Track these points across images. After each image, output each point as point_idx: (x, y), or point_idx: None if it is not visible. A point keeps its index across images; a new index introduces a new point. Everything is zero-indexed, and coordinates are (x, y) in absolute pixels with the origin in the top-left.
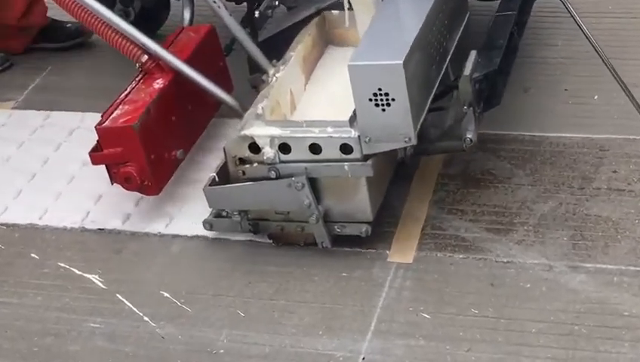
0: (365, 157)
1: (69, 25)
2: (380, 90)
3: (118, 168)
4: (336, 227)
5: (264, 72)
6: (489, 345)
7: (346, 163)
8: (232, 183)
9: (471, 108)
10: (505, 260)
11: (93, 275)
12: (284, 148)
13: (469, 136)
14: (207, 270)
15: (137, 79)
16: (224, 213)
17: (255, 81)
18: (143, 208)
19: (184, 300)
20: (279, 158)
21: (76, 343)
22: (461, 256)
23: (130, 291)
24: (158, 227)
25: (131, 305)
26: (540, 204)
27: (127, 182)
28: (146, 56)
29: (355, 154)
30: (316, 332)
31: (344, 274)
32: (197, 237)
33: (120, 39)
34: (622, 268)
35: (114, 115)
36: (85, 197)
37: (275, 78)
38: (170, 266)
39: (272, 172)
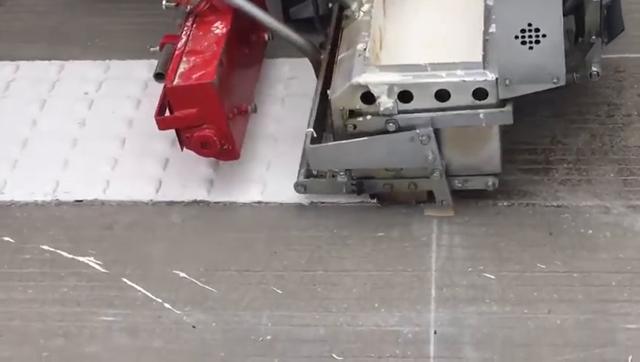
0: (501, 103)
1: None
2: (529, 25)
3: (192, 132)
4: (456, 181)
5: (345, 4)
6: (570, 304)
7: (480, 110)
8: (338, 139)
9: (599, 38)
10: (555, 204)
11: (87, 258)
12: (405, 96)
13: (595, 69)
14: (220, 240)
15: (188, 24)
16: (315, 172)
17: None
18: (123, 171)
19: (205, 279)
20: (398, 108)
21: (93, 343)
22: (505, 203)
23: (138, 274)
24: (146, 192)
25: (144, 291)
26: (572, 137)
27: (204, 148)
28: None
29: (490, 100)
30: (371, 305)
31: (380, 233)
32: (196, 202)
33: None
34: None
35: (181, 69)
36: (48, 162)
37: (361, 12)
38: (176, 239)
39: (391, 124)
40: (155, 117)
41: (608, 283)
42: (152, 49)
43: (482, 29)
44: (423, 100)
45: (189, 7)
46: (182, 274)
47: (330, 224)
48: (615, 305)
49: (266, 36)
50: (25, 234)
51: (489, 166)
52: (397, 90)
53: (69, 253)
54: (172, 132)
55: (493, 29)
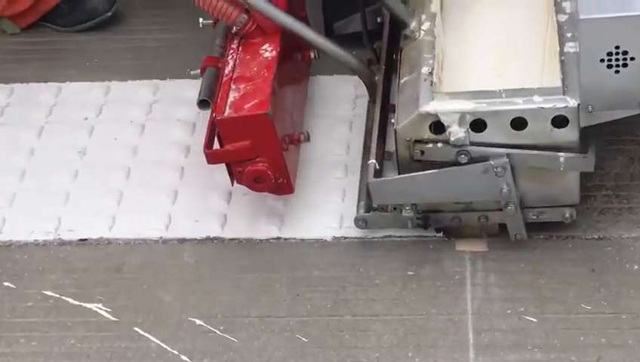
0: (581, 137)
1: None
2: (617, 48)
3: (244, 166)
4: (531, 214)
5: (403, 24)
6: (620, 350)
7: (561, 153)
8: (403, 171)
9: None
10: (596, 236)
11: (95, 304)
12: (478, 125)
13: None
14: (237, 283)
15: (234, 47)
16: (375, 206)
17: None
18: (129, 206)
19: (224, 327)
20: (470, 138)
21: None
22: (542, 236)
23: (151, 322)
24: (156, 229)
25: (159, 341)
26: (609, 160)
27: (257, 183)
28: (245, 16)
29: (570, 128)
30: (405, 354)
31: (410, 272)
32: (209, 239)
33: None
34: None
35: (231, 98)
36: (48, 197)
37: (421, 31)
38: (190, 282)
39: (462, 155)
40: (204, 150)
41: None
42: (192, 72)
43: (555, 49)
44: (497, 129)
45: (234, 28)
46: (198, 322)
47: (355, 262)
48: None
49: (312, 55)
50: (26, 279)
51: (567, 197)
52: (469, 119)
53: (75, 300)
54: (179, 160)
55: (569, 48)
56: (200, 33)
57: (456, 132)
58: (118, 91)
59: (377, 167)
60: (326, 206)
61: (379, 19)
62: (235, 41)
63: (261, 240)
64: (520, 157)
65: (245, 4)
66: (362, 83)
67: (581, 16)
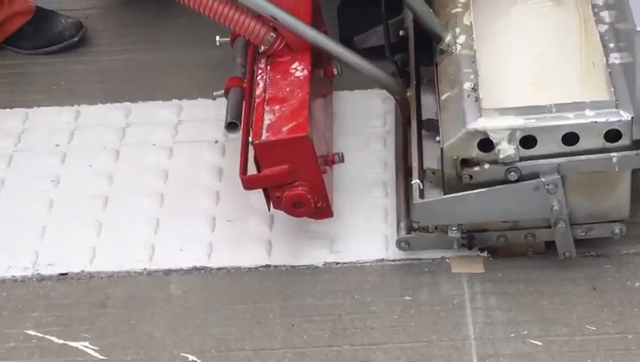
0: (635, 144)
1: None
2: None
3: (282, 191)
4: (579, 231)
5: (437, 38)
6: None
7: (613, 153)
8: (450, 191)
9: None
10: (594, 253)
11: (81, 342)
12: (527, 141)
13: None
14: (228, 314)
15: (262, 66)
16: (416, 226)
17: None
18: (110, 237)
19: None
20: (519, 155)
21: None
22: (539, 255)
23: (141, 359)
24: (139, 260)
25: None
26: None
27: (296, 207)
28: (273, 34)
29: (624, 141)
30: None
31: (407, 297)
32: (196, 269)
33: (238, 14)
34: None
35: (267, 121)
36: (24, 230)
37: (457, 45)
38: (179, 315)
39: (512, 173)
40: (240, 175)
41: None
42: (215, 93)
43: (593, 59)
44: (548, 145)
45: (262, 47)
46: (191, 358)
47: (349, 288)
48: None
49: (335, 70)
50: (6, 318)
51: (616, 212)
52: (519, 136)
53: (60, 338)
54: (158, 186)
55: (614, 59)
56: (170, 53)
57: (506, 149)
58: (89, 115)
59: (421, 186)
60: (313, 231)
61: (401, 33)
62: (263, 60)
63: (250, 268)
64: (571, 164)
65: (273, 21)
66: (392, 98)
67: (638, 28)
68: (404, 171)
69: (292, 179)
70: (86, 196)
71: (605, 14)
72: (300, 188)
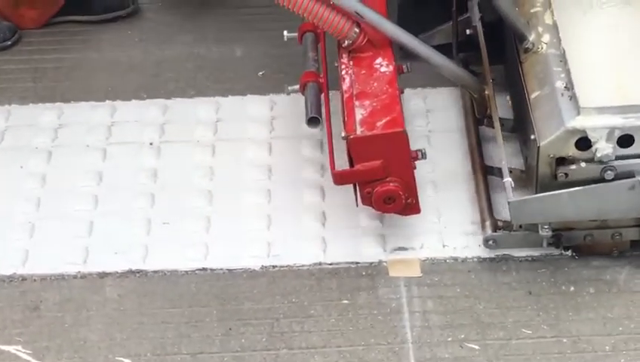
0: None
1: None
2: None
3: (373, 186)
4: None
5: (522, 36)
6: None
7: None
8: (542, 190)
9: None
10: (529, 258)
11: (14, 346)
12: (625, 140)
13: None
14: (165, 318)
15: (344, 61)
16: (501, 224)
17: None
18: (42, 238)
19: None
20: (616, 154)
21: None
22: (475, 259)
23: None
24: (73, 263)
25: None
26: None
27: (387, 203)
28: (357, 30)
29: None
30: None
31: (344, 301)
32: (131, 272)
33: (323, 9)
34: None
35: (359, 116)
36: None
37: (542, 44)
38: (115, 319)
39: (609, 172)
40: (331, 170)
41: (601, 348)
42: (290, 88)
43: None
44: None
45: (346, 42)
46: (126, 361)
47: (286, 292)
48: None
49: (404, 68)
50: None
51: None
52: (617, 135)
53: None
54: (92, 188)
55: None
56: (103, 53)
57: (603, 148)
58: (20, 116)
59: (513, 185)
60: (250, 234)
61: (468, 31)
62: (345, 56)
63: (186, 271)
64: None
65: (356, 16)
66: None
67: None
68: (482, 169)
69: (384, 174)
70: (18, 197)
71: None
72: (391, 183)
